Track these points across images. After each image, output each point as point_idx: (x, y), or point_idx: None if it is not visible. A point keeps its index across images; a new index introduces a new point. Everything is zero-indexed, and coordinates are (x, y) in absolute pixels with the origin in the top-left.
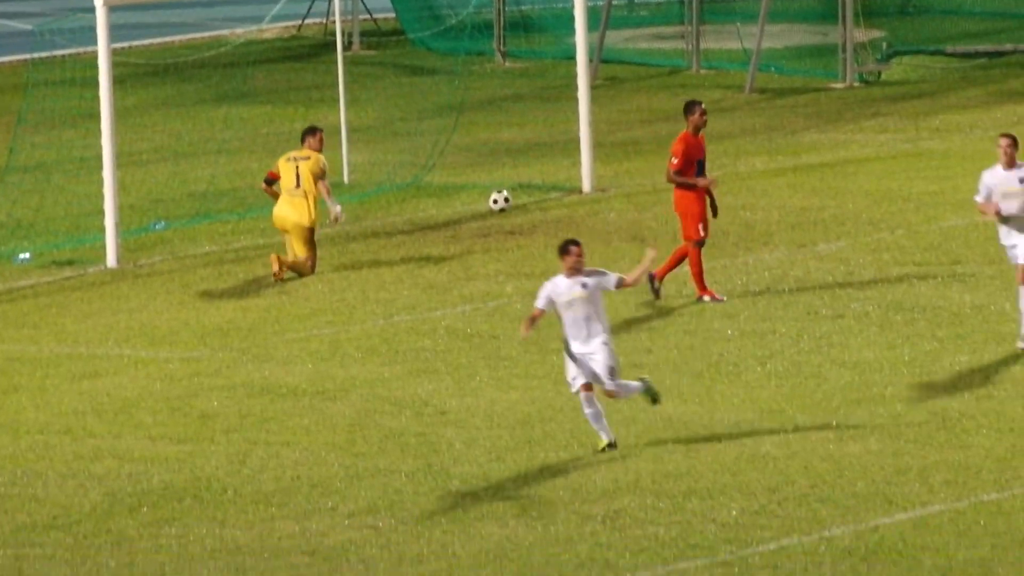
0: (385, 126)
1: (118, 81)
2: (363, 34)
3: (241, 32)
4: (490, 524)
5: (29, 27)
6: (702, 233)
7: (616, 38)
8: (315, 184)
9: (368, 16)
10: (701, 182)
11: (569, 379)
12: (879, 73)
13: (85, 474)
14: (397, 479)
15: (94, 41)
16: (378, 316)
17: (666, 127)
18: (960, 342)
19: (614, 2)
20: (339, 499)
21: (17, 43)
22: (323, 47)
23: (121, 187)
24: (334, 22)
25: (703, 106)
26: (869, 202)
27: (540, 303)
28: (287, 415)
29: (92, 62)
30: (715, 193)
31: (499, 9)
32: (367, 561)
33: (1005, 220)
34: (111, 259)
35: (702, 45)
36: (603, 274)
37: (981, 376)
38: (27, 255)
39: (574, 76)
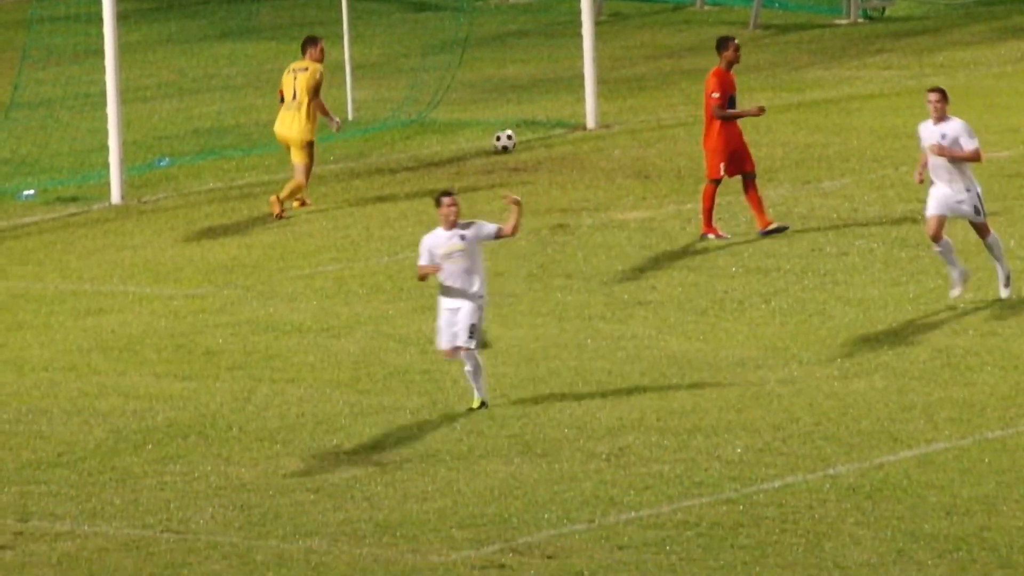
0: (389, 62)
1: (122, 17)
2: None
3: None
4: (495, 461)
5: None
6: (722, 173)
7: None
8: (309, 100)
9: None
10: (751, 111)
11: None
12: (883, 9)
13: (90, 411)
14: (402, 416)
15: None
16: (383, 253)
17: (670, 63)
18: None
19: None
20: (344, 436)
21: None
22: None
23: (125, 123)
24: None
25: (736, 41)
26: (873, 139)
27: (422, 259)
28: (292, 352)
29: None
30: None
31: None
32: (372, 498)
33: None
34: (115, 196)
35: None
36: (480, 225)
37: (986, 313)
38: (31, 191)
39: (578, 12)
